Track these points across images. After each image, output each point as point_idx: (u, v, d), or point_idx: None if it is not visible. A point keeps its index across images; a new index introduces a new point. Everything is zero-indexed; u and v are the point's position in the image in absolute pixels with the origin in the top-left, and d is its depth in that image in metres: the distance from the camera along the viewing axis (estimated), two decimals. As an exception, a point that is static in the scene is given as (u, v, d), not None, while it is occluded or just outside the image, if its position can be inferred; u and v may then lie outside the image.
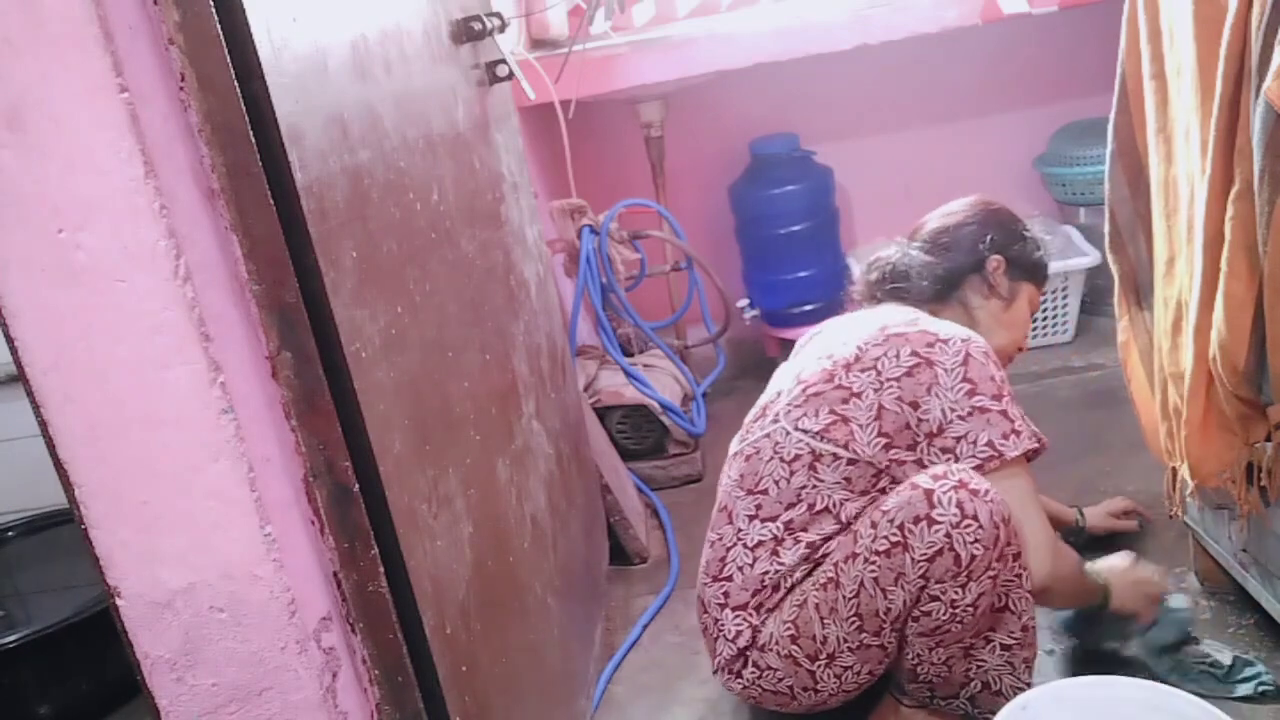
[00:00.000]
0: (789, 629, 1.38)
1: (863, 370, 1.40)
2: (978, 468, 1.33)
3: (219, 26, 0.79)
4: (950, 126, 2.87)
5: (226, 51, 0.79)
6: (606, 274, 2.29)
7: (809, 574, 1.39)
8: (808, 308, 2.80)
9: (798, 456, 1.40)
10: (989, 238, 1.57)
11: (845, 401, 1.39)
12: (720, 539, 1.47)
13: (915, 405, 1.36)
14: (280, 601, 0.89)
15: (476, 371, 1.27)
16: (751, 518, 1.43)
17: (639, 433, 2.41)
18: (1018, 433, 1.35)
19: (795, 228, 2.72)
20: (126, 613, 0.88)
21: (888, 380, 1.38)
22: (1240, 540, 1.46)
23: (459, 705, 1.02)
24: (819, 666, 1.37)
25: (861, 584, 1.32)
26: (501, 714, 1.18)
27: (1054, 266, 2.56)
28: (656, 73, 2.43)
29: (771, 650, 1.40)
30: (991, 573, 1.29)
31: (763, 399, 1.55)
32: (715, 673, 1.49)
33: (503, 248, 1.53)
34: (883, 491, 1.37)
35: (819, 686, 1.39)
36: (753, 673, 1.43)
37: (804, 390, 1.44)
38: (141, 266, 0.80)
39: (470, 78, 1.50)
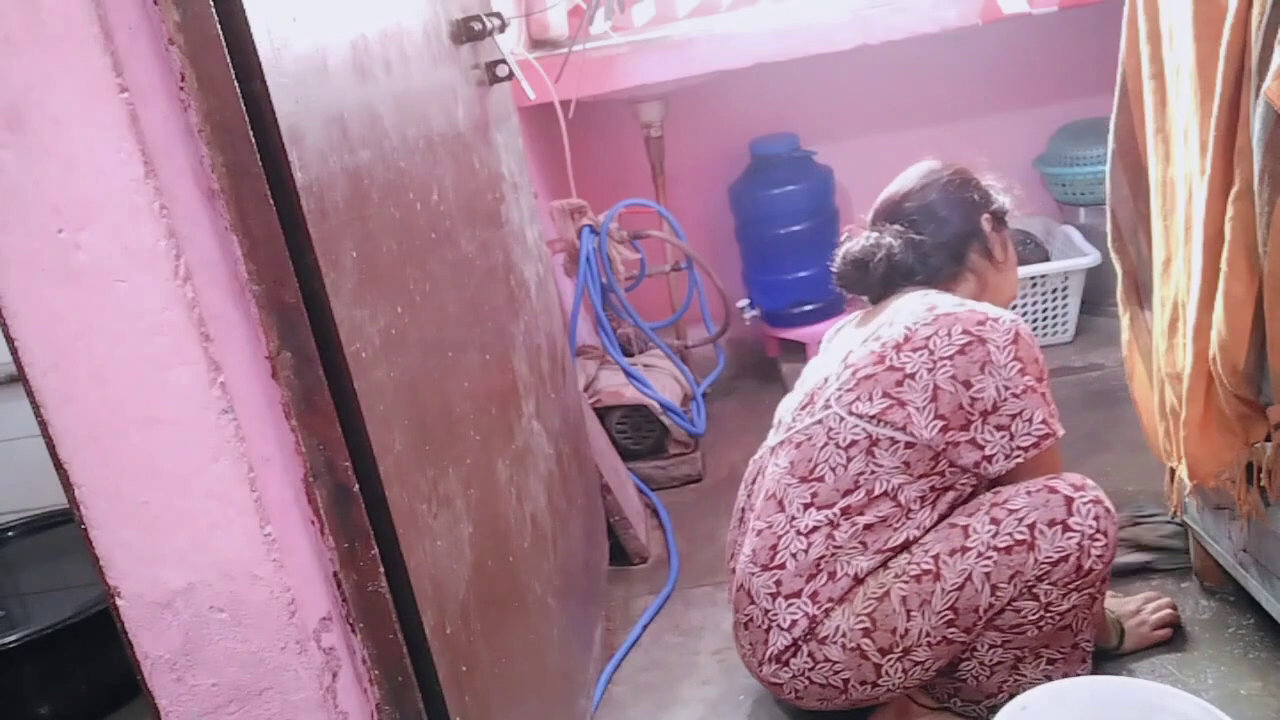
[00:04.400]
0: (862, 622, 1.36)
1: (914, 350, 1.38)
2: (1034, 445, 1.34)
3: (219, 26, 0.78)
4: (950, 126, 2.87)
5: (226, 51, 0.79)
6: (606, 274, 2.29)
7: (882, 565, 1.37)
8: (808, 308, 2.80)
9: (854, 442, 1.39)
10: (972, 199, 1.56)
11: (899, 384, 1.38)
12: (770, 527, 1.44)
13: (968, 384, 1.35)
14: (280, 601, 0.89)
15: (476, 371, 1.27)
16: (807, 505, 1.41)
17: (639, 433, 2.41)
18: (1054, 415, 1.37)
19: (795, 228, 2.72)
20: (126, 613, 0.88)
21: (941, 359, 1.36)
22: (1240, 540, 1.46)
23: (459, 705, 1.02)
24: (889, 660, 1.36)
25: (969, 578, 1.32)
26: (501, 714, 1.18)
27: (1054, 266, 2.59)
28: (656, 73, 2.43)
29: (835, 643, 1.37)
30: (1092, 590, 1.34)
31: (805, 388, 1.53)
32: (760, 665, 1.45)
33: (503, 248, 1.53)
34: (941, 475, 1.37)
35: (880, 680, 1.38)
36: (805, 663, 1.40)
37: (854, 374, 1.42)
38: (141, 266, 0.80)
39: (470, 78, 1.50)
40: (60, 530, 2.13)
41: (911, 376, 1.37)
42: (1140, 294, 1.59)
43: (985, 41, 2.66)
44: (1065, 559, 1.30)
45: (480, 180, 1.46)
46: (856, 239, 1.59)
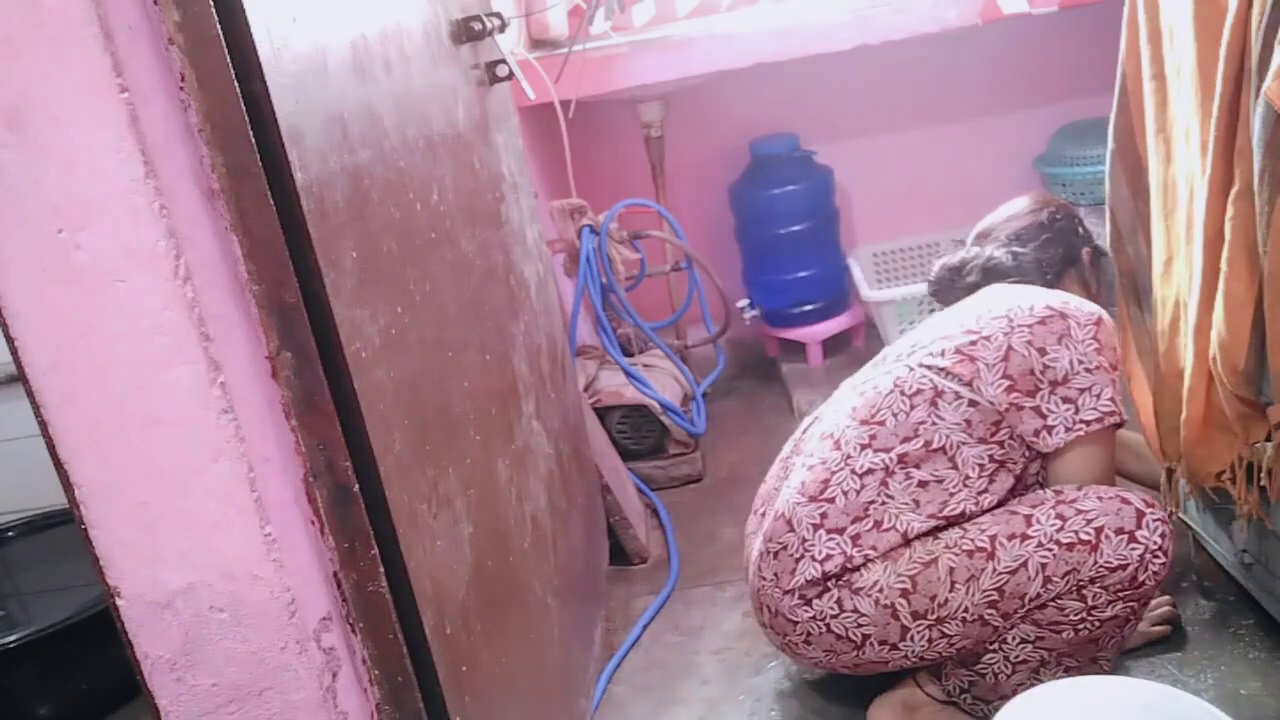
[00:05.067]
0: (903, 582, 1.36)
1: (994, 318, 1.43)
2: (1097, 420, 1.36)
3: (219, 26, 0.78)
4: (950, 126, 2.88)
5: (226, 51, 0.79)
6: (606, 274, 2.29)
7: (933, 533, 1.38)
8: (808, 308, 2.80)
9: (919, 390, 1.42)
10: (1077, 230, 1.64)
11: (974, 344, 1.41)
12: (823, 463, 1.45)
13: (1043, 351, 1.38)
14: (280, 601, 0.89)
15: (476, 371, 1.28)
16: (864, 446, 1.43)
17: (639, 433, 2.41)
18: (1121, 400, 1.38)
19: (795, 228, 2.72)
20: (126, 613, 0.88)
21: (1019, 326, 1.40)
22: (1240, 540, 1.46)
23: (459, 705, 1.02)
24: (919, 625, 1.36)
25: (1024, 565, 1.32)
26: (501, 714, 1.18)
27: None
28: (656, 73, 2.43)
29: (869, 596, 1.37)
30: (1135, 604, 1.34)
31: (889, 352, 1.57)
32: (782, 595, 1.43)
33: (503, 248, 1.53)
34: (1000, 444, 1.38)
35: (901, 645, 1.38)
36: (830, 608, 1.39)
37: (933, 336, 1.48)
38: (141, 266, 0.80)
39: (470, 78, 1.50)
40: (60, 530, 2.13)
41: (987, 338, 1.41)
42: (1139, 294, 1.59)
43: (985, 41, 2.66)
44: (1124, 567, 1.30)
45: (480, 180, 1.46)
46: (957, 252, 1.65)
